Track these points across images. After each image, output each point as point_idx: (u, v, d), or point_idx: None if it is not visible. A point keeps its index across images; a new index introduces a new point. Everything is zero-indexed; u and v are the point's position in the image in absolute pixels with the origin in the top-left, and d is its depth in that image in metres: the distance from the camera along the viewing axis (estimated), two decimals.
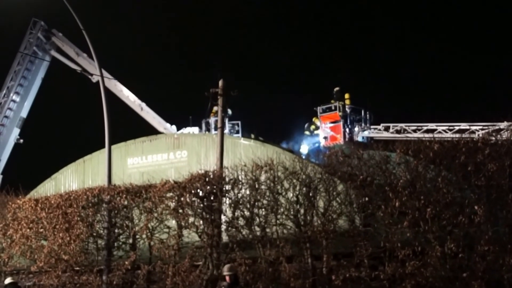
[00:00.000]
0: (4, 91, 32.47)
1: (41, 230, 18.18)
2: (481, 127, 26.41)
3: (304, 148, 31.30)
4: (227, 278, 12.02)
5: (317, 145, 31.25)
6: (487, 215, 12.32)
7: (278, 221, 14.90)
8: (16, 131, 32.85)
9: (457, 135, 23.20)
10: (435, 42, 57.13)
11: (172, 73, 56.04)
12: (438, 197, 12.82)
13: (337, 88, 31.92)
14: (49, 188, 26.40)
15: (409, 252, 12.67)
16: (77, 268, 17.46)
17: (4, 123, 32.19)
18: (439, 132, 27.82)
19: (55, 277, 17.49)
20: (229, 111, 30.21)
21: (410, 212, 12.80)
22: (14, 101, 32.39)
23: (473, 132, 26.14)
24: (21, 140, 33.33)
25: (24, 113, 33.02)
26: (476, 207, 12.41)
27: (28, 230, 18.28)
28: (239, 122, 31.14)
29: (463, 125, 27.55)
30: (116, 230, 17.25)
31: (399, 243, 12.85)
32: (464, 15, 59.27)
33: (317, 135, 31.93)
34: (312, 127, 32.35)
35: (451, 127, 27.88)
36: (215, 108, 20.80)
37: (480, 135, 19.81)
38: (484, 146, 12.75)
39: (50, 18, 32.99)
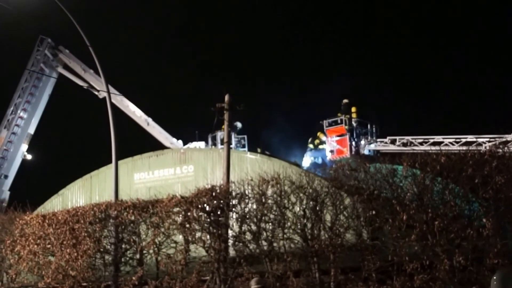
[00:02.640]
0: (12, 108, 32.67)
1: (49, 246, 18.20)
2: (488, 139, 26.31)
3: (306, 162, 31.28)
4: None
5: (320, 159, 31.21)
6: (496, 228, 12.25)
7: (285, 236, 14.86)
8: (23, 147, 33.02)
9: (464, 148, 23.08)
10: (441, 54, 57.17)
11: (178, 88, 56.30)
12: (445, 210, 12.77)
13: (345, 100, 31.94)
14: (56, 204, 26.44)
15: (417, 265, 12.60)
16: (85, 284, 17.45)
17: (12, 140, 32.36)
18: (446, 145, 27.74)
19: None
20: (239, 124, 30.31)
21: (418, 226, 12.75)
22: (21, 117, 32.58)
23: (480, 144, 26.04)
24: (29, 156, 33.48)
25: (31, 130, 33.19)
26: (484, 220, 12.35)
27: (35, 246, 18.31)
28: (245, 137, 31.21)
29: (470, 138, 27.45)
30: (123, 246, 17.25)
31: (407, 256, 12.78)
32: (470, 26, 59.35)
33: (321, 149, 31.93)
34: (317, 141, 32.35)
35: (457, 140, 27.79)
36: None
37: (487, 148, 19.71)
38: (491, 158, 12.71)
39: (56, 34, 33.29)
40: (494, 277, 5.48)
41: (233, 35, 62.39)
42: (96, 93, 28.81)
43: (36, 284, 18.47)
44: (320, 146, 32.21)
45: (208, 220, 15.79)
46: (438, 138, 28.60)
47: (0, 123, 32.79)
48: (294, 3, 63.57)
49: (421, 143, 29.00)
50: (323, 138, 31.92)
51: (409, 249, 12.91)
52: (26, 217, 19.18)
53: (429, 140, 28.87)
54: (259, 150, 29.19)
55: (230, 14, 62.04)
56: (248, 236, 15.30)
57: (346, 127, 31.09)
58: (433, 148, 25.73)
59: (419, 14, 58.77)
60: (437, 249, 12.53)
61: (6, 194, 32.40)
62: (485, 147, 22.91)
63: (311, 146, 32.39)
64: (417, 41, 59.93)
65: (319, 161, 31.22)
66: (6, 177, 32.34)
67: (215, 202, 15.82)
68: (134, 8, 63.09)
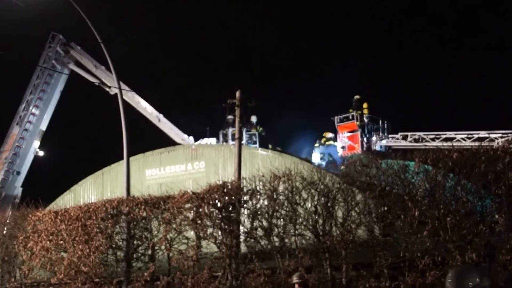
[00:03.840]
0: (24, 105, 32.84)
1: (61, 242, 18.30)
2: (500, 135, 26.13)
3: (316, 157, 31.27)
4: (296, 286, 11.82)
5: (326, 155, 31.19)
6: (508, 224, 12.18)
7: (296, 232, 14.86)
8: (35, 144, 33.19)
9: (476, 143, 22.96)
10: (454, 49, 56.82)
11: (189, 84, 56.40)
12: (458, 206, 12.71)
13: (357, 96, 31.89)
14: (68, 200, 26.58)
15: (429, 261, 12.56)
16: (97, 280, 17.53)
17: (24, 136, 32.53)
18: (458, 141, 27.58)
19: None
20: (254, 118, 30.16)
21: (430, 222, 12.70)
22: (33, 114, 32.73)
23: (492, 140, 25.87)
24: (41, 153, 33.68)
25: (43, 126, 33.35)
26: (496, 216, 12.29)
27: (48, 242, 18.42)
28: (256, 133, 31.18)
29: (482, 133, 27.27)
30: (135, 242, 17.31)
31: (419, 252, 12.74)
32: (480, 23, 58.90)
33: (328, 146, 31.92)
34: (323, 140, 32.38)
35: (470, 135, 27.62)
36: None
37: (500, 143, 19.59)
38: (504, 154, 12.63)
39: (68, 30, 33.41)
40: (449, 275, 5.49)
41: (245, 32, 62.36)
42: (108, 89, 28.91)
43: (48, 280, 18.60)
44: (327, 143, 32.23)
45: (220, 216, 15.82)
46: (450, 134, 28.45)
47: (12, 120, 33.01)
48: None
49: (433, 139, 28.87)
50: (329, 135, 31.92)
51: (421, 245, 12.87)
52: (39, 213, 19.30)
53: (441, 136, 28.72)
54: (270, 146, 29.17)
55: (242, 11, 61.99)
56: (260, 232, 15.31)
57: (358, 123, 31.02)
58: (445, 144, 25.58)
59: (434, 7, 58.43)
60: (449, 245, 12.49)
61: (19, 191, 32.62)
62: (498, 143, 22.79)
63: (316, 145, 32.41)
64: (429, 36, 59.62)
65: (326, 157, 31.23)
66: (18, 173, 32.53)
67: (226, 198, 15.84)
68: (146, 4, 63.26)
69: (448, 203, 12.91)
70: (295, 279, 11.93)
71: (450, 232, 12.48)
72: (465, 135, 27.80)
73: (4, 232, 20.47)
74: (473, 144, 24.55)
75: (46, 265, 18.51)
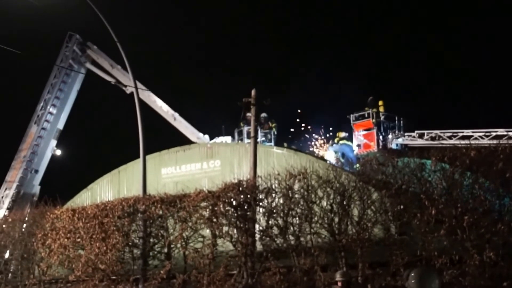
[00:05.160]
0: (42, 104, 33.10)
1: (78, 239, 18.47)
2: None
3: (330, 156, 31.17)
4: (339, 283, 11.72)
5: (340, 154, 31.06)
6: None
7: (312, 230, 14.84)
8: (53, 143, 33.44)
9: (495, 141, 22.72)
10: (471, 46, 56.32)
11: (205, 83, 56.51)
12: (475, 205, 12.62)
13: (371, 97, 31.75)
14: (85, 198, 26.78)
15: (447, 260, 12.48)
16: (114, 277, 17.67)
17: (42, 135, 32.80)
18: (475, 139, 27.27)
19: (92, 286, 17.73)
20: (264, 114, 29.76)
21: (447, 220, 12.62)
22: (51, 113, 32.99)
23: (510, 138, 25.56)
24: (58, 152, 33.96)
25: (60, 125, 33.59)
26: None
27: (66, 239, 18.59)
28: (272, 131, 31.11)
29: (500, 131, 26.93)
30: (151, 240, 17.42)
31: (436, 251, 12.66)
32: (496, 19, 58.32)
33: (341, 145, 31.80)
34: (336, 139, 32.29)
35: (487, 133, 27.30)
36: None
37: None
38: None
39: (84, 30, 33.63)
40: (412, 275, 5.55)
41: (259, 31, 62.31)
42: (124, 88, 29.05)
43: (66, 277, 18.78)
44: (341, 142, 32.12)
45: (235, 214, 15.85)
46: (468, 132, 28.12)
47: (31, 119, 33.32)
48: None
49: (449, 137, 28.56)
50: (342, 134, 31.82)
51: (438, 244, 12.79)
52: (57, 211, 19.49)
53: (458, 134, 28.41)
54: (285, 144, 29.11)
55: (254, 11, 61.97)
56: (275, 230, 15.32)
57: (373, 120, 30.83)
58: (462, 142, 25.36)
59: (451, 5, 57.97)
60: (466, 244, 12.39)
61: (37, 189, 32.89)
62: None
63: (330, 144, 32.31)
64: (445, 33, 59.16)
65: (340, 156, 31.10)
66: (36, 171, 32.81)
67: (242, 196, 15.86)
68: (161, 5, 63.47)
69: (466, 201, 12.82)
70: (338, 276, 11.85)
71: (468, 231, 12.38)
72: (483, 133, 27.48)
73: (23, 229, 20.70)
74: (491, 142, 24.29)
75: (64, 263, 18.69)
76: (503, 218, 12.42)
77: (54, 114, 33.14)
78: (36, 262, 19.81)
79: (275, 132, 30.08)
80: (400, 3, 60.59)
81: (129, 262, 17.70)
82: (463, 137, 27.74)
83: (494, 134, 27.06)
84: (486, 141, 26.14)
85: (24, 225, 20.87)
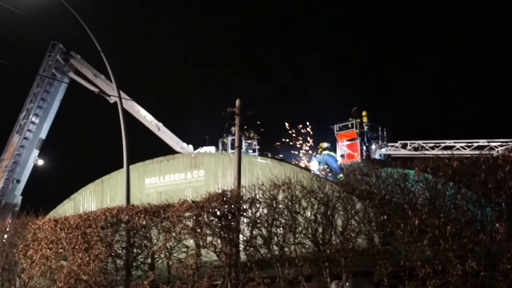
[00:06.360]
0: (24, 113, 32.83)
1: (61, 250, 18.30)
2: (500, 143, 26.14)
3: (314, 166, 31.25)
4: None
5: (324, 164, 31.17)
6: (509, 233, 12.16)
7: (296, 240, 14.85)
8: (35, 152, 33.16)
9: (476, 152, 22.96)
10: (453, 57, 56.95)
11: (188, 93, 56.45)
12: (458, 215, 12.72)
13: (355, 108, 31.95)
14: (68, 208, 26.59)
15: (430, 270, 12.54)
16: None
17: (24, 144, 32.50)
18: (458, 149, 27.53)
19: None
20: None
21: (430, 230, 12.69)
22: (33, 122, 32.72)
23: (492, 148, 25.87)
24: (40, 162, 33.65)
25: (43, 135, 33.35)
26: (497, 225, 12.28)
27: (48, 250, 18.41)
28: (256, 141, 31.13)
29: (482, 142, 27.24)
30: (135, 250, 17.32)
31: (419, 261, 12.73)
32: (483, 28, 59.14)
33: (324, 155, 31.91)
34: (319, 150, 32.41)
35: (469, 144, 27.59)
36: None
37: (500, 152, 19.59)
38: (504, 163, 12.62)
39: (68, 39, 33.45)
40: (347, 284, 5.69)
41: (244, 38, 62.50)
42: (107, 97, 28.93)
43: None
44: (324, 152, 32.23)
45: (219, 224, 15.81)
46: (450, 142, 28.40)
47: (12, 128, 33.01)
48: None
49: (432, 147, 28.82)
50: (325, 145, 31.95)
51: (421, 254, 12.86)
52: (39, 221, 19.29)
53: (441, 144, 28.68)
54: (269, 155, 29.15)
55: (241, 17, 62.22)
56: (259, 240, 15.31)
57: (357, 131, 31.00)
58: (444, 152, 25.57)
59: (436, 14, 58.58)
60: (449, 254, 12.47)
61: (19, 199, 32.56)
62: (498, 151, 22.79)
63: (314, 154, 32.41)
64: (428, 44, 59.77)
65: (323, 166, 31.21)
66: (18, 181, 32.48)
67: (226, 206, 15.84)
68: (144, 13, 63.40)
69: (448, 211, 12.91)
70: (333, 287, 11.95)
71: (451, 241, 12.47)
72: (465, 144, 27.77)
73: (4, 240, 20.46)
74: (473, 152, 24.54)
75: (46, 273, 18.49)
76: (485, 228, 12.52)
77: (37, 123, 32.88)
78: (18, 273, 19.58)
79: (255, 138, 30.10)
80: (383, 15, 61.14)
81: (112, 273, 17.56)
82: (446, 148, 28.02)
83: (476, 144, 27.36)
84: (468, 151, 26.42)
85: (5, 236, 20.63)
